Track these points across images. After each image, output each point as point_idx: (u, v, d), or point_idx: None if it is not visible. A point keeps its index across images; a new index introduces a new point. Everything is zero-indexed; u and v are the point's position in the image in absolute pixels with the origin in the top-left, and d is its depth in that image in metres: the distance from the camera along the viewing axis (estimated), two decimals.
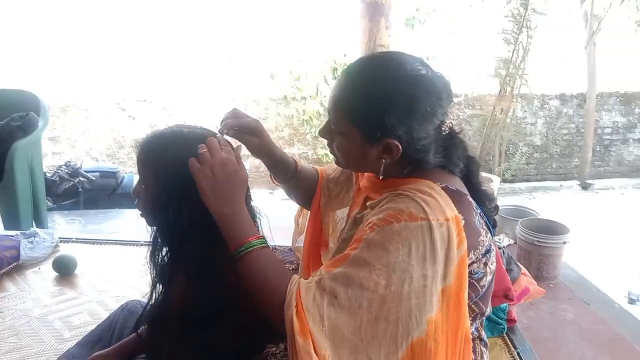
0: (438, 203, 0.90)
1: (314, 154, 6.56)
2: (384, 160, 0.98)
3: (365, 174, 1.16)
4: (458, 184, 1.01)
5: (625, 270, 3.99)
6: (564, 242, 2.42)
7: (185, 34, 7.20)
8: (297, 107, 6.24)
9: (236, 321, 1.03)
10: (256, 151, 1.26)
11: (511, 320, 1.80)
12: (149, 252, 1.08)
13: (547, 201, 6.29)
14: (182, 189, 0.99)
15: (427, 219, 0.87)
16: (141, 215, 1.10)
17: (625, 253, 4.41)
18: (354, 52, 3.02)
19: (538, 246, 2.41)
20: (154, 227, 1.08)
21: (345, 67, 1.03)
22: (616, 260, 4.23)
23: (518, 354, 1.69)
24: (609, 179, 7.13)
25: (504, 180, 6.50)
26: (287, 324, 0.85)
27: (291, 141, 6.59)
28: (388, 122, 0.92)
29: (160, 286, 1.10)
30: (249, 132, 1.24)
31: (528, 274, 2.09)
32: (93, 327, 1.49)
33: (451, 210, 0.90)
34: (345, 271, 0.87)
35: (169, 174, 1.00)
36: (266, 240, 0.98)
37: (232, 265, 0.98)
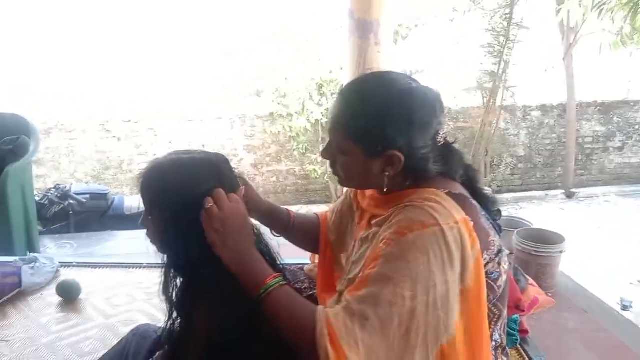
0: (445, 208, 0.93)
1: (302, 170, 6.57)
2: (387, 174, 1.00)
3: (367, 193, 1.18)
4: (460, 189, 1.03)
5: (616, 277, 4.07)
6: (561, 251, 2.46)
7: (169, 53, 7.20)
8: (283, 124, 6.26)
9: (259, 346, 1.03)
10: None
11: (523, 331, 1.82)
12: (161, 284, 1.06)
13: (534, 211, 6.38)
14: (188, 217, 0.99)
15: (439, 224, 0.89)
16: (151, 242, 1.09)
17: (614, 260, 4.49)
18: (344, 68, 3.05)
19: (536, 256, 2.44)
20: (164, 257, 1.07)
21: (340, 89, 1.06)
22: (607, 267, 4.30)
23: None
24: (592, 187, 7.27)
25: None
26: (322, 352, 0.85)
27: (278, 158, 6.60)
28: (389, 133, 0.96)
29: (177, 315, 1.09)
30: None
31: (535, 284, 2.12)
32: (104, 352, 1.47)
33: (458, 213, 0.93)
34: (370, 291, 0.88)
35: (172, 205, 1.00)
36: (282, 277, 0.99)
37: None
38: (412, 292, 0.85)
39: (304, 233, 1.42)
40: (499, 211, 1.11)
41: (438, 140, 1.01)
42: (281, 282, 0.98)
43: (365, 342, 0.84)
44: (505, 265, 1.01)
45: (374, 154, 0.99)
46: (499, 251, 0.99)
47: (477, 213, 0.99)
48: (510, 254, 2.69)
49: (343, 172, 1.06)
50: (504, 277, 1.01)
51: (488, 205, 1.08)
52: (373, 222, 1.07)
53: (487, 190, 1.13)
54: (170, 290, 1.06)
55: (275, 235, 1.40)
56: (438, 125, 1.01)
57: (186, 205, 0.98)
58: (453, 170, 1.06)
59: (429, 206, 0.92)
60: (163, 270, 1.06)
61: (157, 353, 1.22)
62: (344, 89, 1.07)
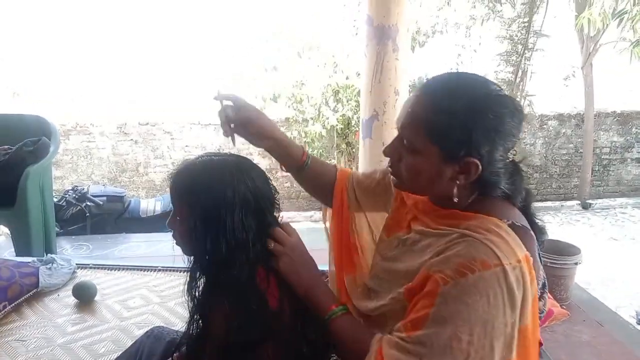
0: (508, 244, 0.87)
1: None
2: (458, 182, 0.94)
3: (416, 199, 1.12)
4: (521, 219, 0.97)
5: (631, 290, 4.01)
6: (576, 263, 2.43)
7: (188, 57, 7.27)
8: (299, 130, 6.29)
9: (276, 347, 1.05)
10: (257, 137, 1.28)
11: (539, 344, 1.81)
12: (187, 283, 1.09)
13: (549, 221, 6.32)
14: (217, 217, 1.02)
15: (501, 264, 0.84)
16: (176, 244, 1.11)
17: (630, 272, 4.44)
18: (361, 75, 3.06)
19: (550, 267, 2.41)
20: (191, 257, 1.10)
21: (422, 85, 0.97)
22: (622, 279, 4.25)
23: None
24: (608, 199, 7.19)
25: None
26: None
27: None
28: (474, 138, 0.89)
29: (198, 315, 1.11)
30: (246, 123, 1.26)
31: (551, 296, 2.10)
32: (118, 354, 1.48)
33: (521, 250, 0.88)
34: (427, 333, 0.85)
35: (202, 204, 1.02)
36: (346, 307, 1.07)
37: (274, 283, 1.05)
38: (470, 336, 0.82)
39: (315, 176, 1.40)
40: (544, 241, 1.04)
41: (509, 156, 0.96)
42: (344, 310, 1.05)
43: None
44: (546, 296, 1.01)
45: (452, 158, 0.92)
46: (544, 285, 0.98)
47: (535, 247, 0.95)
48: None
49: (408, 173, 0.99)
50: (545, 309, 1.03)
51: (538, 235, 1.01)
52: (417, 228, 1.05)
53: (540, 220, 1.06)
54: (194, 291, 1.09)
55: (284, 171, 1.40)
56: (517, 140, 0.95)
57: (216, 204, 1.02)
58: (517, 191, 0.99)
59: (490, 241, 0.87)
60: (189, 270, 1.09)
61: (175, 354, 1.23)
62: (429, 84, 0.97)
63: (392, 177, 1.06)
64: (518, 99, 5.68)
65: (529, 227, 0.97)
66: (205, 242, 1.03)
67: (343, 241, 1.39)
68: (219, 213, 1.01)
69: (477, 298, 0.82)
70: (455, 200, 0.95)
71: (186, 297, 1.09)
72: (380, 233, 1.26)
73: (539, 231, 1.02)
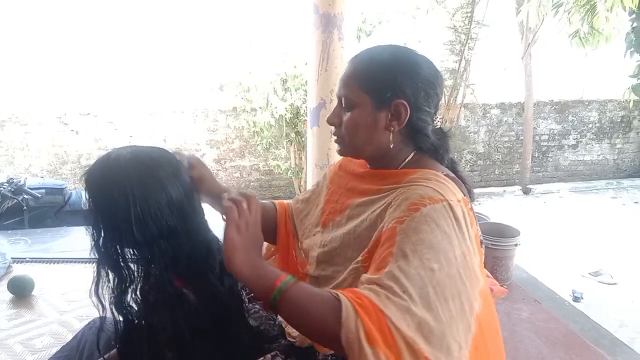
0: (448, 188, 0.97)
1: (266, 165, 6.54)
2: (392, 129, 1.05)
3: (357, 172, 1.21)
4: (451, 174, 1.08)
5: (568, 270, 4.21)
6: (516, 244, 2.53)
7: (130, 44, 7.04)
8: (247, 119, 6.22)
9: (221, 338, 1.04)
10: (207, 194, 1.24)
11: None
12: (115, 282, 1.01)
13: (492, 206, 6.53)
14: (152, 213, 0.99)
15: (446, 199, 0.92)
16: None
17: (567, 253, 4.65)
18: (309, 63, 3.04)
19: (491, 249, 2.51)
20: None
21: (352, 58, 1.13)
22: (560, 260, 4.45)
23: None
24: (547, 184, 7.50)
25: None
26: (353, 335, 0.78)
27: (242, 153, 6.56)
28: (398, 80, 1.02)
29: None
30: (198, 180, 1.21)
31: (490, 275, 2.18)
32: (57, 348, 1.43)
33: (460, 194, 0.98)
34: (397, 266, 0.85)
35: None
36: (291, 276, 0.92)
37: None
38: (438, 263, 0.84)
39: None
40: (473, 193, 1.15)
41: (435, 119, 1.09)
42: (291, 281, 0.90)
43: (415, 314, 0.79)
44: (483, 248, 1.06)
45: (382, 102, 1.04)
46: (481, 242, 1.03)
47: (468, 197, 1.05)
48: None
49: (348, 131, 1.09)
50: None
51: (469, 190, 1.12)
52: (354, 202, 1.11)
53: (465, 176, 1.16)
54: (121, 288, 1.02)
55: (225, 220, 1.39)
56: (439, 96, 1.08)
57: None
58: (444, 149, 1.12)
59: (433, 186, 0.95)
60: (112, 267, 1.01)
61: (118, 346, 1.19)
62: (359, 52, 1.12)
63: (336, 145, 1.16)
64: (462, 88, 5.84)
65: (460, 181, 1.08)
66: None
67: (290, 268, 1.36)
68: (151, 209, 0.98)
69: (433, 226, 0.88)
70: (391, 146, 1.07)
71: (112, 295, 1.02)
72: (313, 229, 1.27)
73: (469, 185, 1.13)
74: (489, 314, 0.94)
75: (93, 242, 1.00)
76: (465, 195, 1.02)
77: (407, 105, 1.02)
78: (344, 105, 1.09)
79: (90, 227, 1.00)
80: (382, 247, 0.92)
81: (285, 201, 1.47)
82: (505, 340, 1.67)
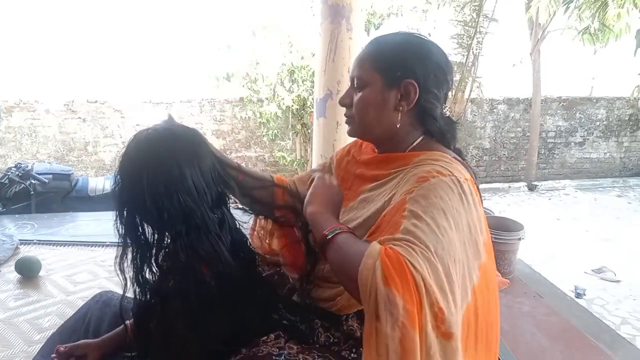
0: (455, 167, 0.99)
1: (271, 156, 6.55)
2: (401, 109, 1.06)
3: (363, 159, 1.23)
4: (459, 157, 1.09)
5: (571, 266, 4.21)
6: (519, 239, 2.53)
7: (139, 33, 7.05)
8: (253, 110, 6.22)
9: (230, 312, 1.06)
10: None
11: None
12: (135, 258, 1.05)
13: (497, 202, 6.53)
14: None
15: (454, 174, 0.94)
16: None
17: (571, 250, 4.65)
18: (316, 54, 3.04)
19: (495, 242, 2.51)
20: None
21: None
22: (563, 256, 4.45)
23: None
24: (553, 181, 7.49)
25: None
26: (367, 272, 0.79)
27: (247, 144, 6.57)
28: (408, 61, 1.05)
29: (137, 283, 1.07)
30: None
31: None
32: None
33: (467, 173, 1.00)
34: (411, 223, 0.86)
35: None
36: (345, 227, 0.97)
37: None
38: (448, 223, 0.86)
39: (250, 191, 1.31)
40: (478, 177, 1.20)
41: (444, 106, 1.12)
42: (343, 228, 0.96)
43: (431, 261, 0.80)
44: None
45: (392, 81, 1.05)
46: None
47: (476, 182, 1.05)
48: None
49: (358, 110, 1.11)
50: None
51: (475, 178, 1.11)
52: (365, 188, 1.13)
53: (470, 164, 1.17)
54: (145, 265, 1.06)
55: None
56: (448, 83, 1.11)
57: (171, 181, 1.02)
58: (452, 137, 1.14)
59: (441, 163, 0.98)
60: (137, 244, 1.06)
61: (128, 322, 1.19)
62: (372, 38, 1.15)
63: (347, 126, 1.18)
64: (469, 82, 5.81)
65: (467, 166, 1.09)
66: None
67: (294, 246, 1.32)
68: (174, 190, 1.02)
69: (441, 194, 0.90)
70: (398, 125, 1.08)
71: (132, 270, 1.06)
72: None
73: (474, 172, 1.13)
74: (486, 289, 0.93)
75: (117, 213, 1.04)
76: (472, 177, 1.04)
77: (417, 86, 1.04)
78: (355, 85, 1.11)
79: (116, 197, 1.05)
80: (392, 216, 0.92)
81: (279, 176, 1.43)
82: (506, 333, 1.67)
